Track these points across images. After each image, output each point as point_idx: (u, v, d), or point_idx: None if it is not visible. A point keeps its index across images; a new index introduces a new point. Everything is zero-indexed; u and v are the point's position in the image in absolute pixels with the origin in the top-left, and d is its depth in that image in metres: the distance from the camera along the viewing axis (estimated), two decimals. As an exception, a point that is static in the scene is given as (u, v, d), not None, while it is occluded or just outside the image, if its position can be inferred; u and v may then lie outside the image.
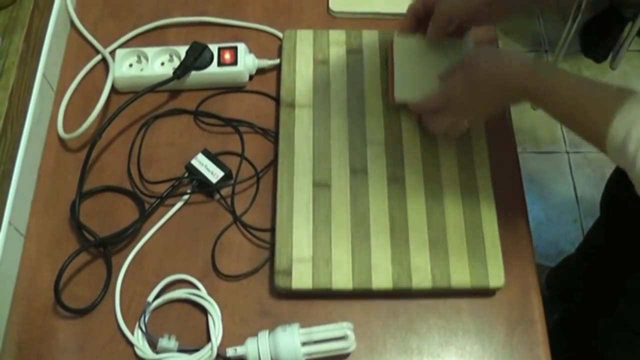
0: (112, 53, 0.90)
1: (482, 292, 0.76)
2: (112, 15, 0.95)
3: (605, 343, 1.14)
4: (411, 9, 0.82)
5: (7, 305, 0.75)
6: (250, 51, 0.89)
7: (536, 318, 0.75)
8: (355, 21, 0.94)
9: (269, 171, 0.83)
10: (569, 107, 0.66)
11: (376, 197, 0.79)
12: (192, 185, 0.81)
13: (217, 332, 0.73)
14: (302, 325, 0.72)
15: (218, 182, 0.80)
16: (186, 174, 0.81)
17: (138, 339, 0.73)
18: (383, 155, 0.81)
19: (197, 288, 0.76)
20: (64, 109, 0.87)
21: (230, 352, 0.71)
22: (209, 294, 0.75)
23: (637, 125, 0.57)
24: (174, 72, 0.85)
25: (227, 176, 0.81)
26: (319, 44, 0.89)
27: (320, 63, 0.88)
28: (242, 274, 0.77)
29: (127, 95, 0.84)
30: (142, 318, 0.73)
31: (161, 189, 0.81)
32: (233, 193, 0.82)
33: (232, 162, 0.83)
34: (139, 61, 0.88)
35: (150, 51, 0.88)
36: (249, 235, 0.79)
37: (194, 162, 0.81)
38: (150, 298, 0.75)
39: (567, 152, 1.88)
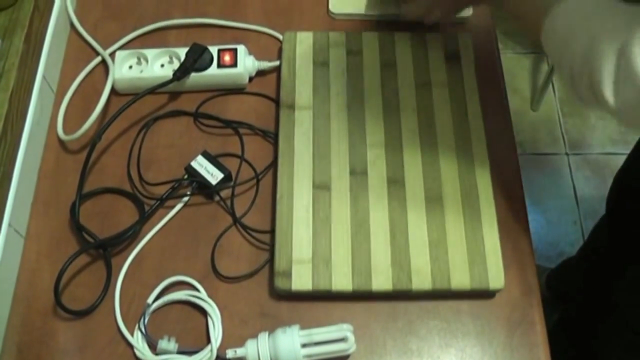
0: (112, 55, 0.90)
1: (482, 294, 0.76)
2: (112, 17, 0.95)
3: (605, 343, 1.14)
4: None
5: (7, 306, 0.75)
6: (250, 53, 0.89)
7: (536, 320, 0.75)
8: (355, 23, 0.94)
9: (269, 173, 0.83)
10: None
11: (376, 199, 0.79)
12: (191, 187, 0.81)
13: (216, 333, 0.73)
14: (302, 327, 0.72)
15: (218, 183, 0.80)
16: (186, 176, 0.81)
17: (138, 341, 0.73)
18: (383, 157, 0.81)
19: (197, 290, 0.76)
20: (64, 111, 0.87)
21: (230, 353, 0.71)
22: (209, 295, 0.75)
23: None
24: (174, 74, 0.85)
25: (227, 178, 0.81)
26: (319, 46, 0.89)
27: (320, 65, 0.88)
28: (242, 275, 0.77)
29: (127, 97, 0.84)
30: (142, 320, 0.73)
31: (161, 190, 0.81)
32: (233, 195, 0.82)
33: (232, 164, 0.83)
34: (138, 63, 0.88)
35: (150, 53, 0.88)
36: (249, 237, 0.79)
37: (193, 163, 0.81)
38: (150, 300, 0.75)
39: (567, 154, 1.88)
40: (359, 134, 0.83)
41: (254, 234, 0.79)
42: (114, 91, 0.87)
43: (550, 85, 1.99)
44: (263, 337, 0.71)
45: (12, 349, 0.73)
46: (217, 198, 0.82)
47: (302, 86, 0.86)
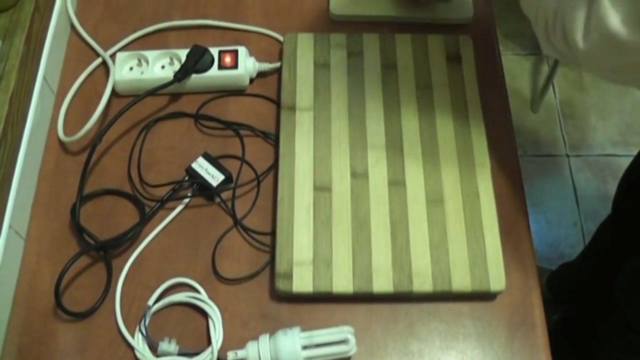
0: (113, 56, 0.90)
1: (483, 296, 0.76)
2: (113, 19, 0.95)
3: (605, 343, 1.14)
4: None
5: (8, 308, 0.75)
6: (251, 54, 0.89)
7: (537, 322, 0.75)
8: (355, 24, 0.94)
9: (270, 174, 0.83)
10: None
11: (377, 201, 0.79)
12: (192, 189, 0.81)
13: (217, 335, 0.73)
14: (303, 329, 0.71)
15: (218, 185, 0.80)
16: (187, 178, 0.81)
17: (138, 343, 0.73)
18: (384, 159, 0.81)
19: (198, 291, 0.76)
20: (64, 112, 0.87)
21: (231, 355, 0.70)
22: (210, 297, 0.75)
23: None
24: (175, 76, 0.85)
25: (228, 179, 0.81)
26: (320, 47, 0.89)
27: (321, 66, 0.88)
28: (243, 277, 0.77)
29: (128, 98, 0.84)
30: (143, 321, 0.73)
31: (161, 192, 0.81)
32: (233, 196, 0.82)
33: (232, 166, 0.83)
34: (139, 64, 0.88)
35: (150, 54, 0.88)
36: (250, 239, 0.79)
37: (194, 165, 0.81)
38: (150, 301, 0.74)
39: (568, 156, 1.88)
40: (359, 135, 0.83)
41: (254, 235, 0.79)
42: (114, 93, 0.87)
43: (551, 87, 1.98)
44: (264, 338, 0.71)
45: (12, 350, 0.73)
46: (217, 200, 0.81)
47: (302, 87, 0.86)
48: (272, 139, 0.86)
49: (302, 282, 0.74)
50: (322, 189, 0.79)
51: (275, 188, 0.81)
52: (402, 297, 0.75)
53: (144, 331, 0.72)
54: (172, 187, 0.81)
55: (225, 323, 0.74)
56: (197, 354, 0.72)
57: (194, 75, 0.86)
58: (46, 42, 0.86)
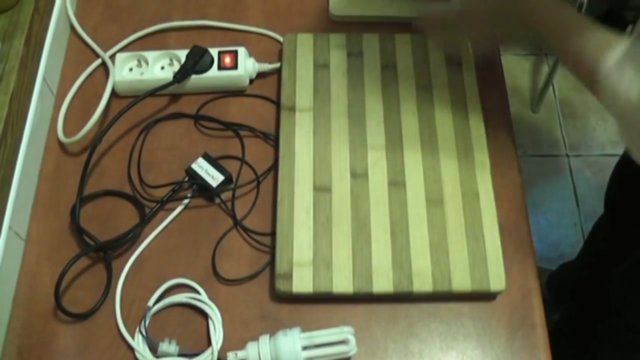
0: (112, 57, 0.90)
1: (483, 296, 0.76)
2: (112, 19, 0.95)
3: (605, 343, 1.14)
4: None
5: (8, 309, 0.75)
6: (251, 55, 0.89)
7: (537, 322, 0.75)
8: (355, 24, 0.94)
9: (270, 175, 0.83)
10: (565, 34, 0.67)
11: (377, 201, 0.79)
12: (192, 190, 0.81)
13: (217, 336, 0.73)
14: (303, 329, 0.71)
15: (218, 186, 0.80)
16: (186, 178, 0.81)
17: (138, 344, 0.73)
18: (384, 159, 0.81)
19: (198, 292, 0.76)
20: (64, 113, 0.87)
21: (231, 356, 0.70)
22: (210, 298, 0.75)
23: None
24: (174, 76, 0.85)
25: (228, 180, 0.81)
26: (320, 48, 0.89)
27: (321, 67, 0.88)
28: (243, 278, 0.77)
29: (128, 99, 0.84)
30: (143, 322, 0.73)
31: (161, 193, 0.81)
32: (233, 197, 0.82)
33: (232, 166, 0.83)
34: (139, 65, 0.88)
35: (150, 55, 0.88)
36: (250, 240, 0.79)
37: (194, 166, 0.81)
38: (150, 302, 0.74)
39: (567, 156, 1.88)
40: (359, 136, 0.83)
41: (254, 236, 0.79)
42: (114, 93, 0.87)
43: (551, 87, 1.98)
44: (264, 339, 0.71)
45: (12, 352, 0.73)
46: (217, 200, 0.81)
47: (302, 88, 0.86)
48: (272, 139, 0.86)
49: (302, 282, 0.74)
50: (322, 189, 0.79)
51: (275, 188, 0.81)
52: (402, 298, 0.75)
53: (144, 332, 0.72)
54: (172, 187, 0.81)
55: (225, 324, 0.74)
56: (197, 354, 0.72)
57: (193, 76, 0.86)
58: (46, 43, 0.86)
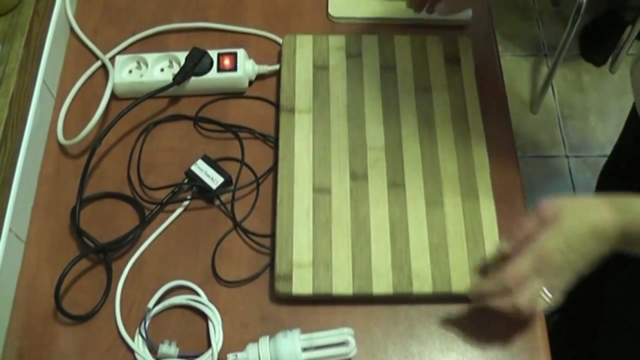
0: (112, 59, 0.90)
1: (483, 297, 0.76)
2: (112, 21, 0.95)
3: (605, 343, 1.14)
4: None
5: (8, 311, 0.75)
6: (250, 57, 0.89)
7: (537, 323, 0.75)
8: (354, 26, 0.94)
9: (269, 177, 0.83)
10: None
11: (376, 203, 0.79)
12: (192, 191, 0.81)
13: (217, 338, 0.73)
14: (303, 331, 0.71)
15: (218, 188, 0.80)
16: (186, 180, 0.81)
17: (138, 345, 0.73)
18: (383, 161, 0.81)
19: (198, 294, 0.76)
20: (63, 115, 0.87)
21: (231, 357, 0.70)
22: (210, 299, 0.75)
23: None
24: (174, 78, 0.85)
25: (227, 182, 0.81)
26: (319, 49, 0.89)
27: (320, 68, 0.88)
28: (243, 279, 0.77)
29: (127, 101, 0.84)
30: (143, 324, 0.73)
31: (161, 195, 0.81)
32: (233, 199, 0.82)
33: (232, 168, 0.83)
34: (138, 67, 0.89)
35: (149, 57, 0.88)
36: (249, 241, 0.79)
37: (194, 168, 0.81)
38: (150, 304, 0.74)
39: (567, 157, 1.88)
40: (359, 137, 0.83)
41: (254, 238, 0.79)
42: (113, 95, 0.87)
43: (550, 88, 1.99)
44: (264, 341, 0.71)
45: (12, 353, 0.73)
46: (217, 202, 0.82)
47: (302, 90, 0.86)
48: (272, 141, 0.86)
49: (302, 283, 0.74)
50: (321, 190, 0.79)
51: (274, 190, 0.81)
52: (401, 299, 0.75)
53: (144, 334, 0.72)
54: (172, 189, 0.81)
55: (225, 325, 0.74)
56: (197, 356, 0.72)
57: (193, 78, 0.86)
58: (45, 45, 0.86)
